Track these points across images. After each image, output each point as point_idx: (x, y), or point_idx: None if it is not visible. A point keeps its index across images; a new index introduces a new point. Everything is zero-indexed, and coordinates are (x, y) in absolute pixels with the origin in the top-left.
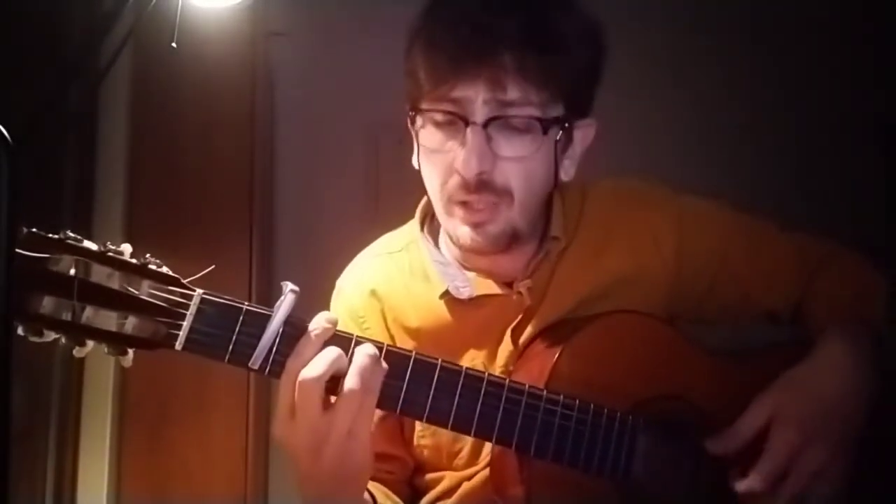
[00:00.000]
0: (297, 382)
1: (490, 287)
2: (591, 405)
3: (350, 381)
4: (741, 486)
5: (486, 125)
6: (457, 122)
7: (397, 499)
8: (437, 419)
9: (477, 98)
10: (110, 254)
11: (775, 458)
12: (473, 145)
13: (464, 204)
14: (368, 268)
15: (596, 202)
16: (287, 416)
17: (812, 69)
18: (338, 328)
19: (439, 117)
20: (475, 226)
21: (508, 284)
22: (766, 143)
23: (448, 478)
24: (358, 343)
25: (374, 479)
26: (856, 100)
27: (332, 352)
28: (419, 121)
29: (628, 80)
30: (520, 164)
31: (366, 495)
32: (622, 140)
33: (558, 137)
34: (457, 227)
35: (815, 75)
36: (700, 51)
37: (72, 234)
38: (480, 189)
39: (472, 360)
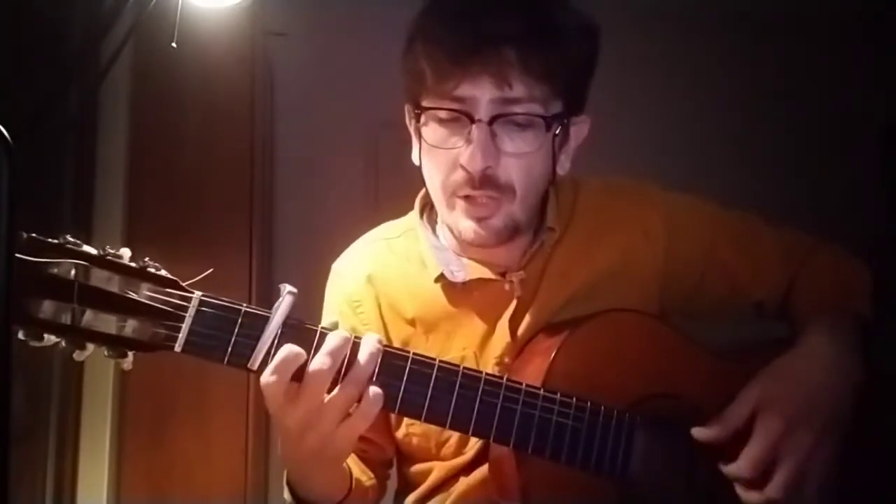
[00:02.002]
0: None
1: (484, 272)
2: (588, 403)
3: (317, 362)
4: (728, 470)
5: (491, 122)
6: (461, 118)
7: (371, 474)
8: (435, 419)
9: (482, 95)
10: (109, 257)
11: (760, 443)
12: (479, 142)
13: (467, 198)
14: (365, 253)
15: (588, 198)
16: (286, 401)
17: (812, 69)
18: (333, 312)
19: (443, 114)
20: (479, 220)
21: (503, 274)
22: (765, 143)
23: (437, 469)
24: (358, 341)
25: None
26: (856, 100)
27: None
28: (422, 118)
29: (628, 80)
30: (522, 160)
31: (344, 467)
32: (623, 140)
33: (557, 132)
34: (459, 222)
35: (815, 76)
36: (699, 51)
37: (71, 239)
38: (484, 184)
39: (464, 346)
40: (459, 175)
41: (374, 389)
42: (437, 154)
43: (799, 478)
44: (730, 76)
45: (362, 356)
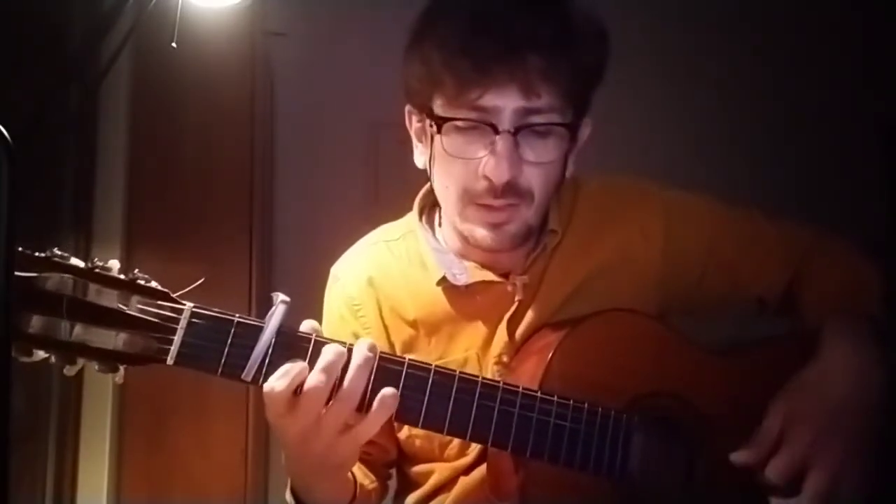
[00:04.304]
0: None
1: (486, 275)
2: (586, 404)
3: (312, 379)
4: (760, 481)
5: (514, 133)
6: (483, 128)
7: (373, 476)
8: (432, 425)
9: (506, 105)
10: (98, 270)
11: (788, 453)
12: (505, 153)
13: (483, 206)
14: (365, 255)
15: (587, 198)
16: (286, 411)
17: (812, 69)
18: (333, 316)
19: (462, 123)
20: (494, 227)
21: (504, 275)
22: (766, 142)
23: (439, 470)
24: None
25: None
26: (856, 100)
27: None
28: (435, 126)
29: (628, 80)
30: (542, 167)
31: (348, 473)
32: (622, 139)
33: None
34: (474, 230)
35: (815, 75)
36: (699, 50)
37: (59, 252)
38: (506, 193)
39: (466, 348)
40: (481, 185)
41: (380, 399)
42: (456, 163)
43: (832, 487)
44: (729, 76)
45: (351, 368)
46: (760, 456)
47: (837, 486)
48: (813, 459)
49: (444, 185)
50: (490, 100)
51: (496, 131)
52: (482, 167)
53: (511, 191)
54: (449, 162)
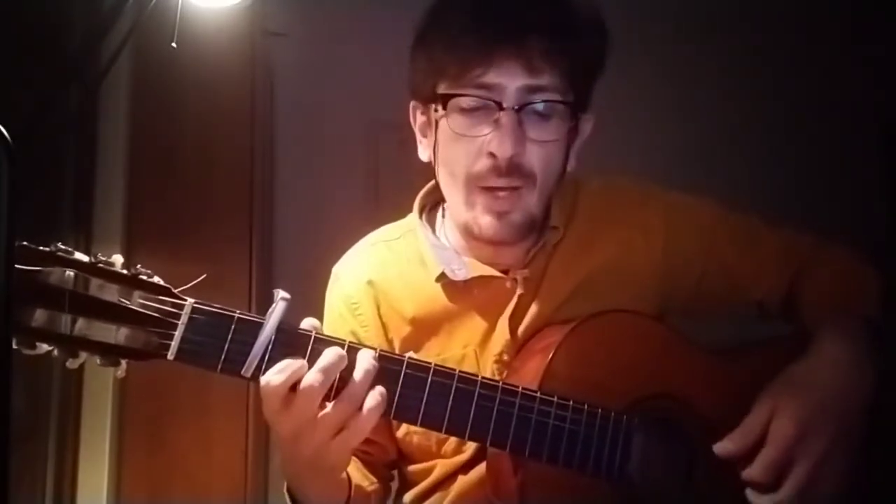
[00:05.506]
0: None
1: (486, 270)
2: (585, 406)
3: (309, 377)
4: (743, 476)
5: (518, 110)
6: (487, 106)
7: (373, 477)
8: (430, 424)
9: (510, 83)
10: (100, 265)
11: (774, 449)
12: (509, 128)
13: (488, 191)
14: (366, 256)
15: (588, 198)
16: (281, 407)
17: (813, 70)
18: (332, 315)
19: (466, 103)
20: (499, 215)
21: (504, 272)
22: (766, 143)
23: (439, 466)
24: (352, 349)
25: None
26: (856, 100)
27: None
28: (440, 109)
29: (629, 81)
30: (544, 148)
31: (343, 475)
32: (624, 140)
33: (571, 125)
34: (479, 217)
35: (815, 76)
36: (699, 50)
37: (62, 246)
38: (510, 172)
39: (464, 345)
40: (485, 164)
41: (367, 405)
42: (461, 143)
43: (811, 482)
44: (730, 76)
45: (357, 374)
46: (744, 447)
47: (818, 480)
48: (796, 454)
49: (450, 172)
50: (493, 77)
51: (500, 108)
52: (486, 144)
53: (515, 170)
54: (455, 143)
